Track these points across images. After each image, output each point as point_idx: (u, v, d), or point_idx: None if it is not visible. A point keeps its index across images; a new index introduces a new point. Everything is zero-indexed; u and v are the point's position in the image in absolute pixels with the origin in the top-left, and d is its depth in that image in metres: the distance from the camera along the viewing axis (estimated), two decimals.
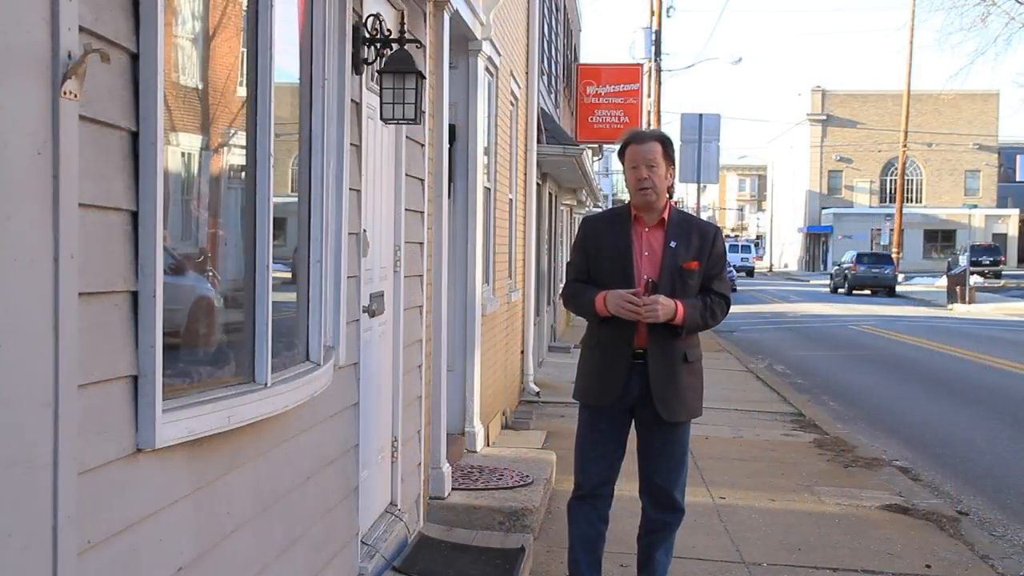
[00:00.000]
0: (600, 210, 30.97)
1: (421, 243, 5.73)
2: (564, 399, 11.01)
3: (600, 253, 4.47)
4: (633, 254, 4.39)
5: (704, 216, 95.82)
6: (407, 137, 5.28)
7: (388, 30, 4.65)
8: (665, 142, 4.48)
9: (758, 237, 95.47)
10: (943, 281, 39.04)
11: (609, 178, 62.47)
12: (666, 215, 4.44)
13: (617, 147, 4.61)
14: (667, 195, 4.48)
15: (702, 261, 4.40)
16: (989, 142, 68.03)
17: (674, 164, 4.51)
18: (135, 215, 2.38)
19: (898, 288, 41.31)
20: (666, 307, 4.22)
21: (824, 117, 69.71)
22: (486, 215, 8.54)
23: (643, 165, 4.37)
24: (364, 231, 4.49)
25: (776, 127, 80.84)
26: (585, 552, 4.48)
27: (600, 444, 4.44)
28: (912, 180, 66.46)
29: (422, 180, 5.74)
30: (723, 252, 4.50)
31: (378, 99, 4.66)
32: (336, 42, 3.97)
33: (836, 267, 44.94)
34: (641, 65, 25.47)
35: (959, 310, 31.02)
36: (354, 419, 4.41)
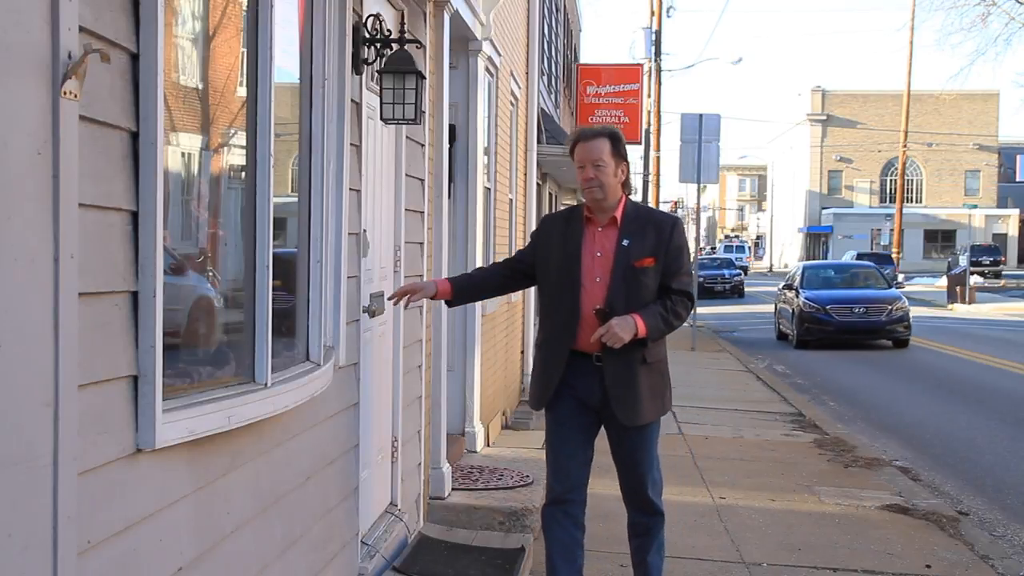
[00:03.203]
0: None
1: (421, 243, 5.73)
2: None
3: (549, 255, 4.33)
4: (582, 257, 4.24)
5: (704, 217, 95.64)
6: (407, 137, 5.28)
7: (388, 30, 4.65)
8: (614, 138, 4.31)
9: (758, 237, 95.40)
10: (943, 281, 38.97)
11: None
12: (619, 213, 4.28)
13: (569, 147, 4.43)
14: (622, 192, 4.32)
15: (659, 257, 4.22)
16: (989, 142, 67.99)
17: (626, 160, 4.34)
18: (135, 215, 2.38)
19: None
20: (624, 328, 4.04)
21: (824, 117, 69.68)
22: (486, 215, 8.54)
23: (589, 164, 4.23)
24: (364, 231, 4.49)
25: (776, 127, 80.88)
26: (564, 561, 4.32)
27: (568, 445, 4.32)
28: (912, 180, 66.42)
29: (422, 180, 5.74)
30: (682, 245, 4.33)
31: (378, 99, 4.66)
32: (336, 42, 3.98)
33: None
34: (641, 65, 25.48)
35: (959, 310, 30.99)
36: (354, 419, 4.41)
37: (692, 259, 21.36)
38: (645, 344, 4.16)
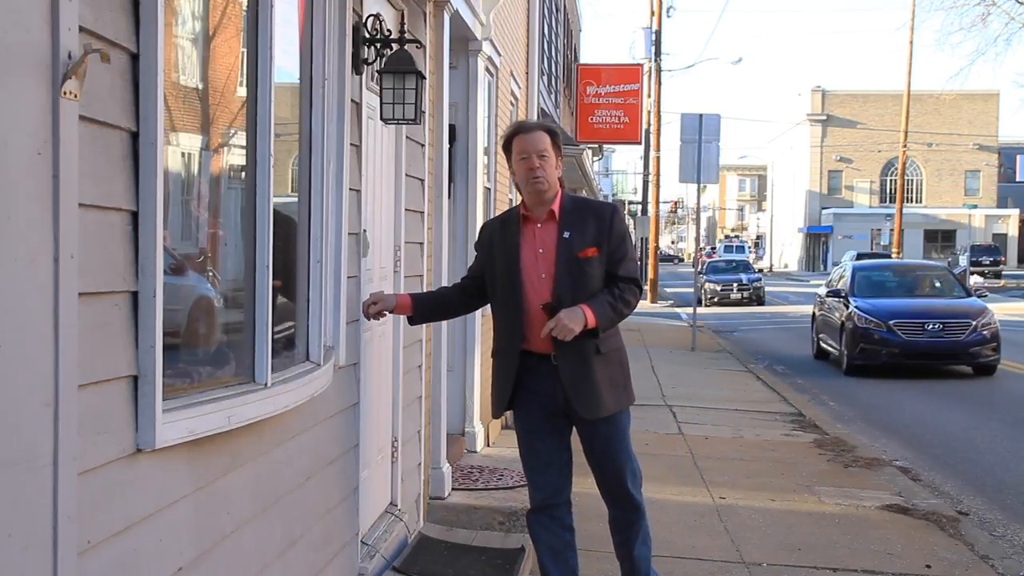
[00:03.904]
0: None
1: (421, 243, 5.73)
2: None
3: (494, 261, 4.29)
4: (522, 256, 4.18)
5: (704, 217, 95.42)
6: (407, 137, 5.28)
7: (388, 30, 4.65)
8: (552, 132, 4.27)
9: (758, 237, 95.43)
10: None
11: (609, 178, 62.41)
12: (556, 206, 4.20)
13: (534, 140, 4.26)
14: (559, 186, 4.25)
15: (602, 246, 4.15)
16: (989, 142, 68.02)
17: (562, 156, 4.30)
18: (135, 215, 2.38)
19: None
20: (573, 319, 3.99)
21: (824, 117, 69.72)
22: (486, 215, 8.54)
23: (534, 155, 4.14)
24: (364, 231, 4.49)
25: (776, 127, 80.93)
26: (557, 565, 4.27)
27: (542, 452, 4.26)
28: (912, 180, 66.45)
29: (422, 180, 5.74)
30: (624, 231, 4.27)
31: (378, 99, 4.66)
32: (336, 42, 3.98)
33: (836, 267, 44.74)
34: (641, 65, 25.50)
35: None
36: (354, 419, 4.41)
37: (700, 261, 21.27)
38: (597, 335, 4.10)
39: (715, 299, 32.25)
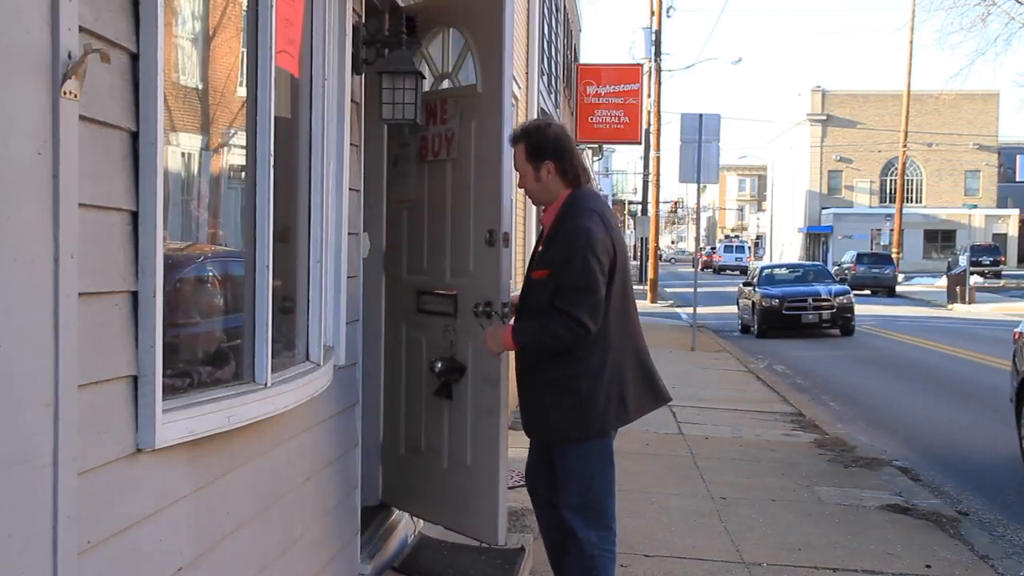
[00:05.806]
0: None
1: None
2: None
3: None
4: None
5: (704, 217, 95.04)
6: None
7: (388, 30, 4.65)
8: (527, 137, 4.01)
9: (758, 237, 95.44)
10: (943, 281, 38.97)
11: (609, 178, 62.38)
12: (548, 218, 4.02)
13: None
14: (564, 187, 4.02)
15: (553, 269, 3.88)
16: (989, 142, 67.98)
17: (547, 155, 3.98)
18: (135, 215, 2.38)
19: (898, 288, 41.24)
20: (492, 339, 4.05)
21: (824, 117, 69.69)
22: None
23: (518, 173, 4.11)
24: (364, 231, 4.49)
25: (776, 127, 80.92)
26: (549, 537, 4.28)
27: (531, 456, 4.29)
28: (912, 180, 66.43)
29: None
30: (569, 257, 3.82)
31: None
32: (336, 42, 3.98)
33: (836, 267, 44.75)
34: (641, 65, 25.53)
35: (959, 310, 30.97)
36: (354, 419, 4.41)
37: (702, 262, 21.00)
38: (535, 357, 3.98)
39: (776, 323, 21.64)
